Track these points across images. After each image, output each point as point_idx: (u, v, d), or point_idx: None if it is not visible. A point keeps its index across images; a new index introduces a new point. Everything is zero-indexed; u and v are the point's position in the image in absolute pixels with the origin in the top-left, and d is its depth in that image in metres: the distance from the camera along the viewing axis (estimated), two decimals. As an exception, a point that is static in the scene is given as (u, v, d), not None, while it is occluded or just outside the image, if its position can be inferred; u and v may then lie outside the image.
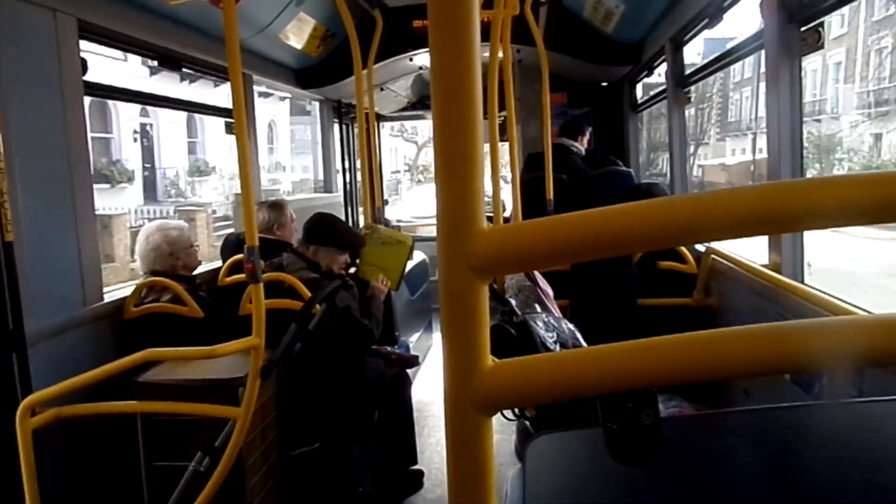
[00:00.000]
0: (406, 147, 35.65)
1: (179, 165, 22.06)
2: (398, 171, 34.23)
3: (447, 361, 0.57)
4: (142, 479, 2.60)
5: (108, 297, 3.03)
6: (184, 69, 3.93)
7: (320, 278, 3.11)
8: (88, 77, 2.95)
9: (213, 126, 20.64)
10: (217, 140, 21.92)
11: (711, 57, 3.66)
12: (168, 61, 3.68)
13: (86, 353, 2.78)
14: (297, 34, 4.79)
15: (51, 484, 2.33)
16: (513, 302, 2.87)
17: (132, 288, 3.15)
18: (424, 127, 26.67)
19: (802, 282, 2.52)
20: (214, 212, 19.52)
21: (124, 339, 2.98)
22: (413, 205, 21.96)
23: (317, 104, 6.94)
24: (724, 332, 0.56)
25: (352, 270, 3.64)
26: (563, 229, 0.54)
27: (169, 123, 21.16)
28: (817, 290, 2.31)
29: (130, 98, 3.85)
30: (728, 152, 26.67)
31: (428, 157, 34.04)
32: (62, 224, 2.77)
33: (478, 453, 0.58)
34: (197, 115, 20.57)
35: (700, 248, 3.47)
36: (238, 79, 2.23)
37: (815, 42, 2.33)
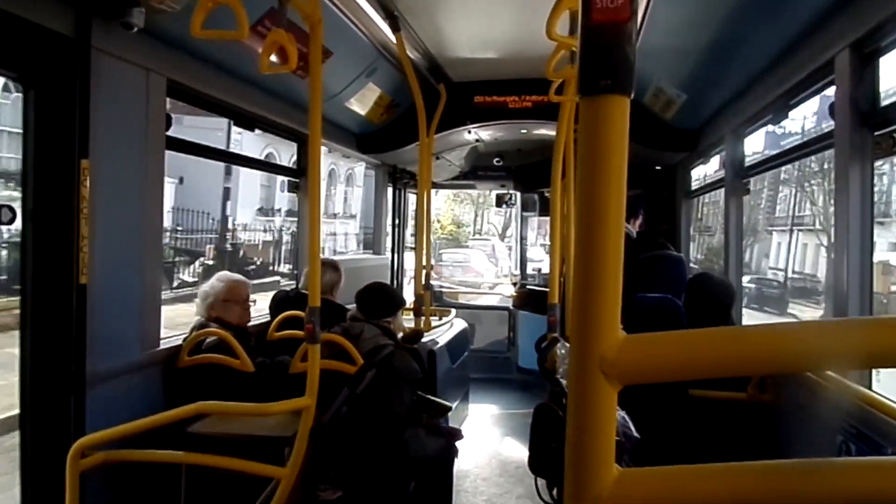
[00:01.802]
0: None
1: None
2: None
3: (570, 467, 0.57)
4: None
5: (163, 344, 3.10)
6: (256, 129, 4.11)
7: (406, 347, 3.20)
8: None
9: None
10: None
11: (775, 151, 3.66)
12: (243, 121, 3.86)
13: (138, 397, 2.82)
14: (363, 102, 4.98)
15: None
16: (563, 382, 2.83)
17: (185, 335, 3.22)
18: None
19: (870, 387, 2.43)
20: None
21: (176, 386, 3.03)
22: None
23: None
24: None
25: None
26: (702, 344, 0.54)
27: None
28: (887, 398, 2.21)
29: (208, 154, 4.03)
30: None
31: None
32: (130, 270, 2.86)
33: None
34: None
35: None
36: (317, 144, 2.33)
37: (889, 147, 2.32)
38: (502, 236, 31.51)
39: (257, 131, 4.17)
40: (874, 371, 2.49)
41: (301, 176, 4.65)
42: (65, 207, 2.45)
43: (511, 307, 7.82)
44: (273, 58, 2.29)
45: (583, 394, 0.56)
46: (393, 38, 3.78)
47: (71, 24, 2.43)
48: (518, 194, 8.16)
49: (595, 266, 0.55)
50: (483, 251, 26.54)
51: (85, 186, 2.47)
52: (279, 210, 24.91)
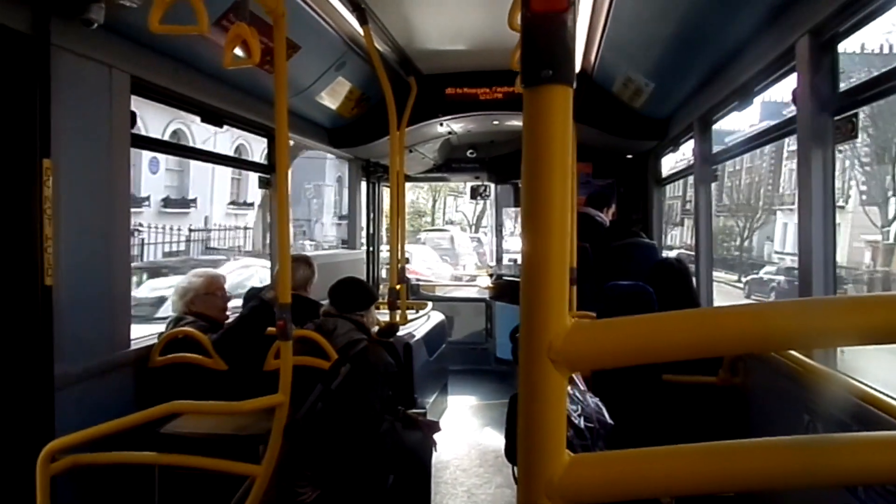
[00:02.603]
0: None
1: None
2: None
3: (522, 455, 0.57)
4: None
5: (133, 345, 3.06)
6: (224, 125, 4.06)
7: (381, 341, 3.20)
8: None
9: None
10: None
11: (741, 138, 3.71)
12: (211, 117, 3.81)
13: (110, 398, 2.78)
14: (333, 96, 4.95)
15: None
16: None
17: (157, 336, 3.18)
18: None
19: (836, 368, 2.49)
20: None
21: (148, 387, 2.99)
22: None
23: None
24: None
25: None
26: (650, 328, 0.55)
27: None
28: (851, 377, 2.27)
29: (173, 151, 3.97)
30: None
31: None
32: (98, 270, 2.82)
33: None
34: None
35: None
36: (284, 140, 2.31)
37: (848, 132, 2.37)
38: (475, 227, 29.26)
39: (226, 127, 4.12)
40: (838, 350, 2.56)
41: (271, 172, 4.61)
42: (27, 208, 2.41)
43: (488, 298, 7.85)
44: (238, 52, 2.26)
45: (532, 381, 0.57)
46: (361, 31, 3.76)
47: (28, 22, 2.37)
48: (493, 185, 8.19)
49: (540, 255, 0.55)
50: (438, 245, 21.58)
51: (48, 186, 2.42)
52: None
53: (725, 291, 19.08)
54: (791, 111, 2.84)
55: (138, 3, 2.47)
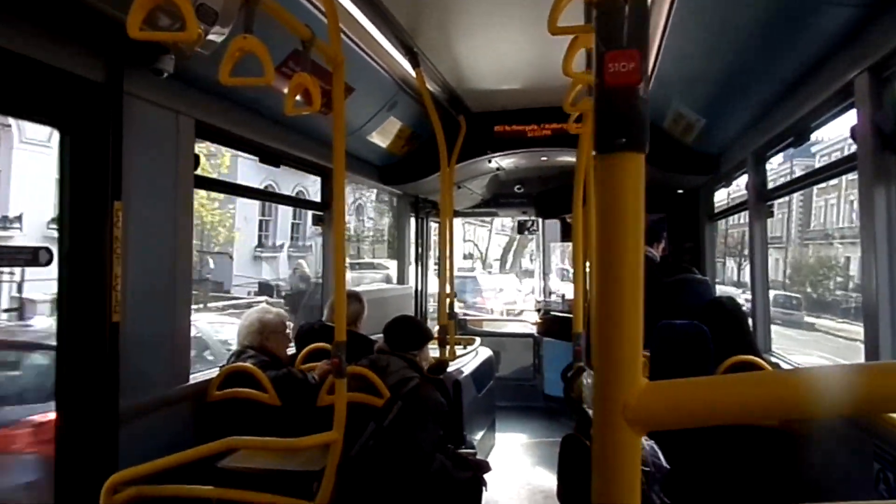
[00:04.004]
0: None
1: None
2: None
3: None
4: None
5: (192, 379, 3.15)
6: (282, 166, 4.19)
7: (432, 379, 3.21)
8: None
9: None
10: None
11: (799, 174, 3.64)
12: (269, 158, 3.95)
13: (169, 431, 2.86)
14: (384, 135, 5.07)
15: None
16: (590, 412, 2.81)
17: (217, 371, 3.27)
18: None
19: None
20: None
21: (205, 419, 3.06)
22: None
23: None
24: None
25: None
26: (724, 390, 0.55)
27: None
28: None
29: (234, 191, 4.12)
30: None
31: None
32: (161, 306, 2.93)
33: None
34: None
35: (785, 365, 3.34)
36: (341, 179, 2.39)
37: (914, 170, 2.30)
38: (500, 262, 26.12)
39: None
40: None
41: (326, 209, 4.73)
42: (99, 248, 2.53)
43: (536, 334, 7.77)
44: (297, 97, 2.36)
45: (606, 440, 0.57)
46: (413, 72, 3.86)
47: (103, 72, 2.53)
48: (540, 220, 8.18)
49: (615, 317, 0.57)
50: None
51: (118, 227, 2.55)
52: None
53: (833, 346, 14.45)
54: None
55: (207, 52, 2.60)
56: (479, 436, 5.00)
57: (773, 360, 3.67)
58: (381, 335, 3.56)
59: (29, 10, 2.16)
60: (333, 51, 2.31)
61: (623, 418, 0.56)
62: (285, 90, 2.37)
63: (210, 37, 2.49)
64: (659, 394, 0.56)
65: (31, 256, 2.37)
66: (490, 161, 6.10)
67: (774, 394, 0.56)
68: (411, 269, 7.09)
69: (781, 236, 23.84)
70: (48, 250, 2.40)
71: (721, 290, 6.48)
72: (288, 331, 3.57)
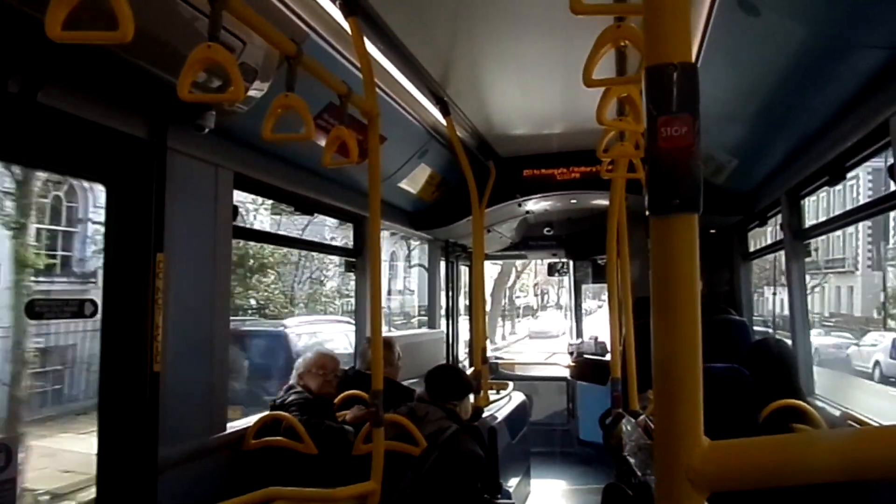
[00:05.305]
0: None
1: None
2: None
3: None
4: None
5: (229, 428, 3.16)
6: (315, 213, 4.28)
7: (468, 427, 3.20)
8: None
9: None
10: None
11: (837, 213, 3.59)
12: (304, 206, 4.03)
13: (206, 480, 2.86)
14: (415, 181, 5.14)
15: None
16: (631, 461, 2.75)
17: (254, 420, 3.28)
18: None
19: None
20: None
21: (242, 469, 3.06)
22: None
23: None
24: None
25: None
26: (790, 449, 0.55)
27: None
28: None
29: (270, 240, 4.21)
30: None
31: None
32: (200, 356, 2.96)
33: None
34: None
35: (835, 411, 3.23)
36: (377, 227, 2.42)
37: (957, 209, 2.26)
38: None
39: None
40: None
41: (358, 255, 4.78)
42: (142, 298, 2.59)
43: (569, 377, 7.66)
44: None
45: (670, 501, 0.57)
46: (444, 121, 3.93)
47: (147, 129, 2.62)
48: (570, 262, 8.14)
49: (675, 377, 0.57)
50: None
51: (160, 278, 2.61)
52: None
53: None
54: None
55: (246, 108, 2.69)
56: (514, 483, 4.89)
57: (819, 403, 3.55)
58: (414, 380, 3.55)
59: (81, 73, 2.27)
60: (369, 105, 2.38)
61: (687, 479, 0.55)
62: (321, 142, 2.44)
63: (250, 93, 2.58)
64: (724, 452, 0.56)
65: (77, 308, 2.43)
66: (520, 205, 6.14)
67: (840, 453, 0.55)
68: (442, 313, 7.09)
69: (845, 257, 19.21)
70: (93, 302, 2.46)
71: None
72: (323, 370, 3.54)
